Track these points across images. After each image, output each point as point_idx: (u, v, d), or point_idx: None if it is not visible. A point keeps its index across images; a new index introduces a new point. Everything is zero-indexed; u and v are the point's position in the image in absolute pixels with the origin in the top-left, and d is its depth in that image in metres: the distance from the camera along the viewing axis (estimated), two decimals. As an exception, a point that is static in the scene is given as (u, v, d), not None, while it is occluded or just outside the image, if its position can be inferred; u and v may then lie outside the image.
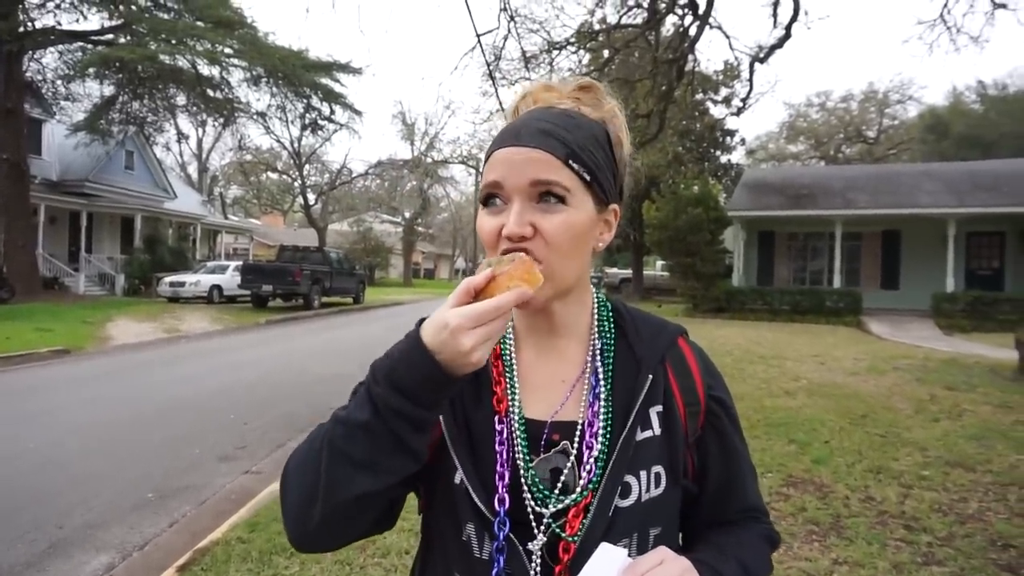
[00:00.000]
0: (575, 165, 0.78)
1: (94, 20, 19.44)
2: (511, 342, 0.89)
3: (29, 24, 18.52)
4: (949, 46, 23.79)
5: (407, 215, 48.00)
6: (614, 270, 36.96)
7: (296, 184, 42.48)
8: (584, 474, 0.79)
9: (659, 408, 0.83)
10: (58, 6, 18.57)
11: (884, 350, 12.06)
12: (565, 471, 0.79)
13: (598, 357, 0.87)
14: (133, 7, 19.09)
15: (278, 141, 35.93)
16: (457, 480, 0.79)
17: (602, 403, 0.83)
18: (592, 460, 0.79)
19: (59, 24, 18.97)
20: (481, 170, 0.88)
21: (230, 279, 21.67)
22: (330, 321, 18.37)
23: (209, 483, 4.88)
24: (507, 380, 0.85)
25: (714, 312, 19.65)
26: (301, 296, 20.31)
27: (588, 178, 0.79)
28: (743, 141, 33.89)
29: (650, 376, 0.83)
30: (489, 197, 0.80)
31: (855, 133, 45.65)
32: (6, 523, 3.99)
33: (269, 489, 4.59)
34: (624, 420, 0.81)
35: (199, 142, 45.28)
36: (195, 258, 27.51)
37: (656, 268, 33.69)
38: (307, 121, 24.60)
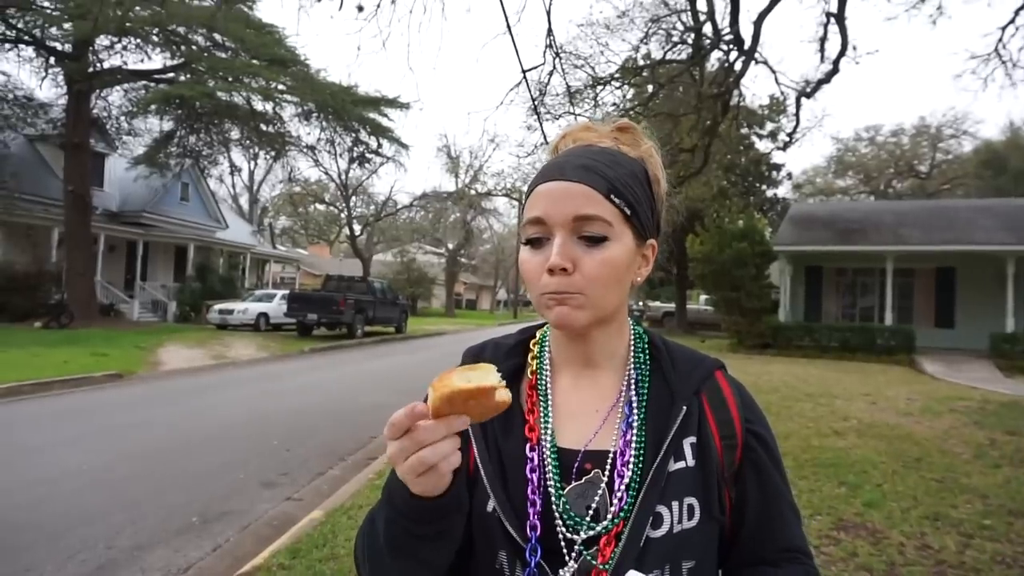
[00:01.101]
0: (616, 200, 0.81)
1: (157, 60, 20.48)
2: (548, 371, 0.90)
3: (98, 65, 19.54)
4: (1005, 80, 23.13)
5: (450, 246, 48.51)
6: (657, 304, 36.62)
7: (343, 215, 43.39)
8: (615, 502, 0.79)
9: (693, 439, 0.84)
10: (125, 48, 19.60)
11: (939, 391, 11.60)
12: (596, 499, 0.80)
13: (632, 387, 0.88)
14: (194, 47, 20.01)
15: (326, 173, 36.89)
16: (490, 508, 0.80)
17: (635, 432, 0.83)
18: (623, 488, 0.79)
19: (125, 64, 20.00)
20: (523, 203, 0.89)
21: (277, 307, 22.14)
22: (373, 350, 18.57)
23: (251, 509, 4.94)
24: (540, 409, 0.87)
25: (760, 348, 19.23)
26: (345, 325, 20.60)
27: (628, 212, 0.81)
28: (789, 175, 33.54)
29: (684, 407, 0.84)
30: (532, 240, 0.82)
31: (906, 168, 44.69)
32: (59, 542, 4.10)
33: (310, 516, 4.62)
34: (656, 450, 0.81)
35: (251, 174, 46.82)
36: (244, 286, 28.24)
37: (700, 302, 33.21)
38: (355, 154, 25.25)
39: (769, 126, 27.91)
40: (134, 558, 3.95)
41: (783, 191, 32.65)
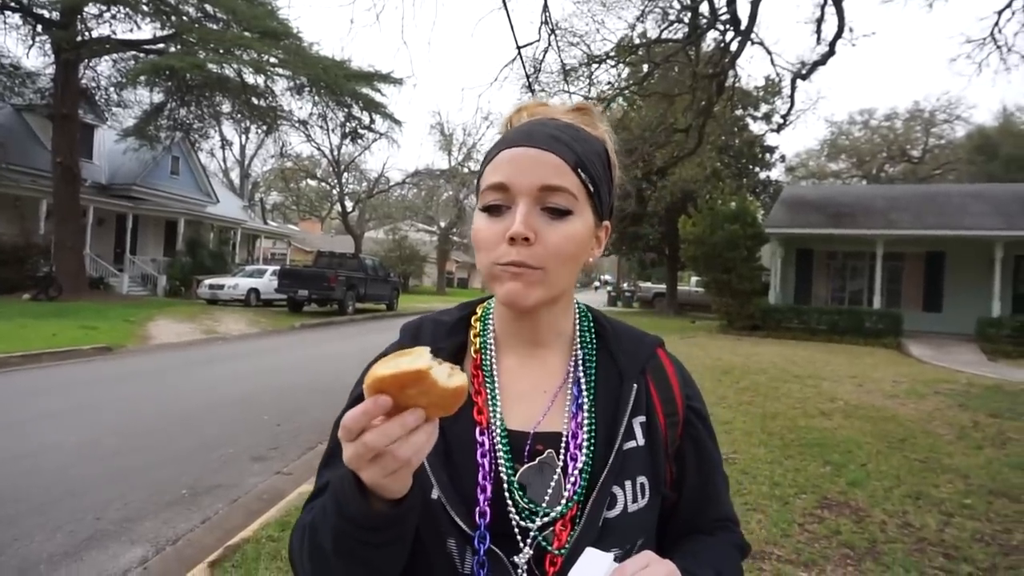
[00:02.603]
0: (582, 174, 0.78)
1: (147, 30, 20.07)
2: (492, 350, 0.87)
3: (86, 34, 19.20)
4: (999, 65, 23.13)
5: (442, 224, 48.35)
6: (648, 284, 36.72)
7: (334, 191, 43.12)
8: (569, 486, 0.77)
9: (642, 419, 0.83)
10: (114, 16, 19.22)
11: (925, 373, 11.74)
12: (552, 483, 0.78)
13: (580, 367, 0.86)
14: (184, 18, 19.66)
15: (318, 149, 36.55)
16: (434, 496, 0.76)
17: (585, 414, 0.81)
18: (577, 471, 0.78)
19: (114, 33, 19.63)
20: (481, 169, 0.85)
21: (267, 283, 22.07)
22: (364, 327, 18.56)
23: (241, 482, 4.96)
24: (487, 390, 0.83)
25: (749, 329, 19.36)
26: (336, 301, 20.57)
27: (592, 188, 0.79)
28: (783, 158, 33.50)
29: (635, 386, 0.83)
30: (491, 206, 0.78)
31: (899, 152, 44.75)
32: (47, 513, 4.11)
33: (299, 490, 4.65)
34: (607, 430, 0.80)
35: (242, 148, 46.32)
36: (234, 262, 28.10)
37: (691, 284, 33.34)
38: (347, 130, 25.01)
39: (764, 108, 27.82)
40: (123, 529, 3.97)
41: (776, 174, 32.64)
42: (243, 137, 41.40)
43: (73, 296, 17.69)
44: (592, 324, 0.91)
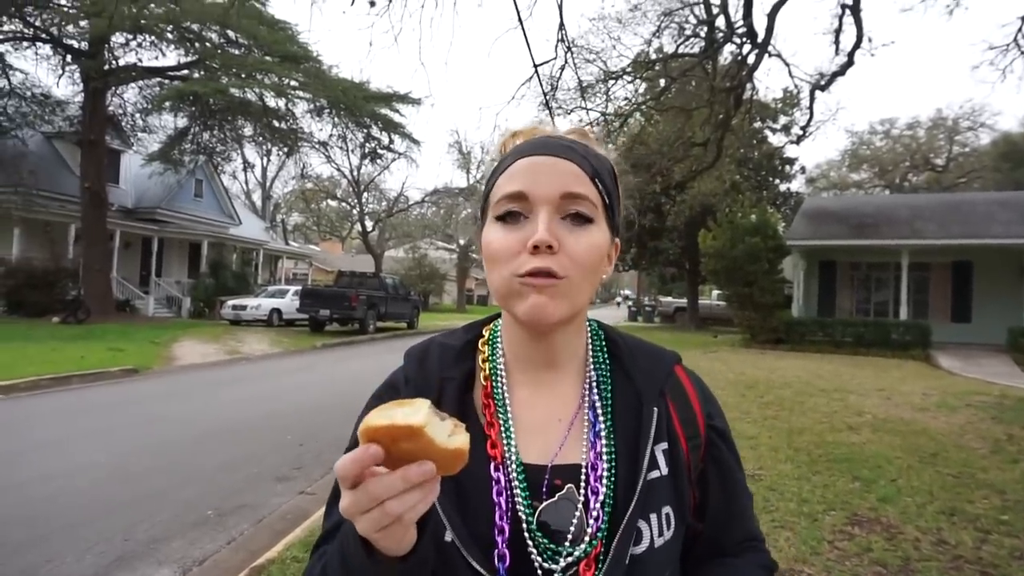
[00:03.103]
0: (599, 184, 0.76)
1: (171, 57, 20.63)
2: (503, 377, 0.81)
3: (113, 62, 19.71)
4: None
5: (462, 242, 48.55)
6: (669, 299, 36.47)
7: (355, 211, 43.56)
8: (592, 521, 0.72)
9: (664, 445, 0.79)
10: (140, 45, 19.76)
11: (955, 386, 11.49)
12: (575, 520, 0.73)
13: (595, 390, 0.81)
14: (207, 44, 20.13)
15: (338, 170, 37.06)
16: (448, 539, 0.71)
17: (603, 442, 0.77)
18: (599, 506, 0.73)
19: (140, 61, 20.19)
20: (490, 181, 0.80)
21: (289, 303, 22.27)
22: (384, 346, 18.63)
23: (266, 502, 4.98)
24: (500, 421, 0.78)
25: (773, 343, 19.12)
26: (357, 321, 20.69)
27: (607, 201, 0.77)
28: (803, 169, 33.27)
29: (655, 410, 0.78)
30: (509, 215, 0.74)
31: (922, 161, 44.22)
32: (77, 533, 4.15)
33: (323, 510, 4.65)
34: (629, 460, 0.76)
35: (264, 171, 47.07)
36: (257, 282, 28.43)
37: (712, 297, 33.07)
38: (367, 150, 25.37)
39: (783, 120, 27.67)
40: (151, 550, 3.99)
41: (796, 185, 32.43)
42: (265, 159, 42.18)
43: (101, 319, 18.00)
44: (604, 342, 0.86)
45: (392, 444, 0.54)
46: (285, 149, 24.85)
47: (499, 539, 0.71)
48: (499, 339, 0.85)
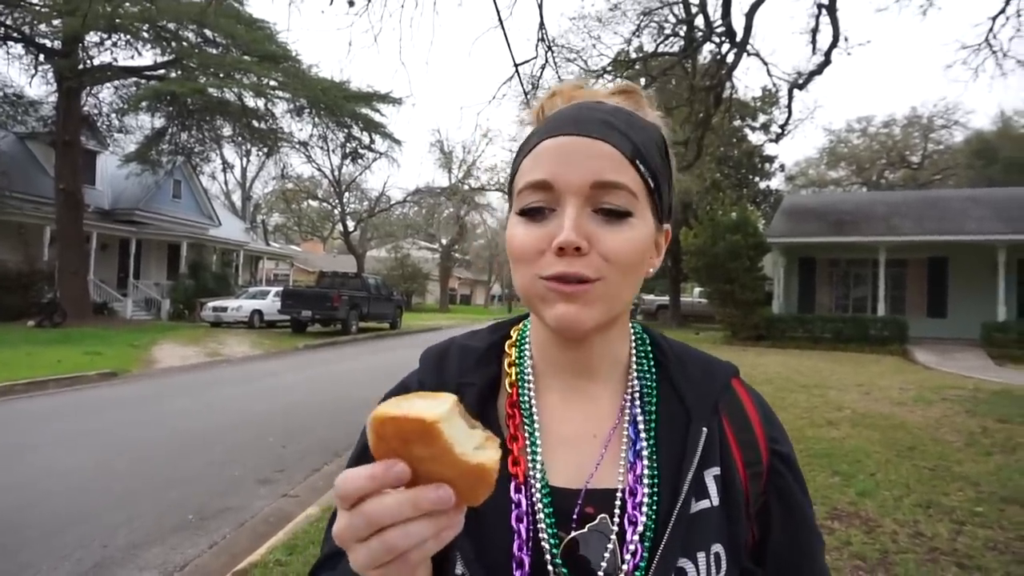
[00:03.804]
0: (642, 167, 0.64)
1: (148, 56, 20.34)
2: (531, 384, 0.71)
3: (88, 62, 19.41)
4: (996, 70, 23.24)
5: (444, 242, 48.48)
6: (651, 296, 36.66)
7: (336, 211, 43.28)
8: (628, 557, 0.61)
9: (716, 471, 0.67)
10: (115, 44, 19.47)
11: (931, 380, 11.68)
12: (607, 554, 0.62)
13: (636, 403, 0.70)
14: (184, 43, 19.89)
15: (319, 170, 36.74)
16: (458, 572, 0.62)
17: (645, 462, 0.66)
18: (637, 539, 0.62)
19: (115, 61, 19.88)
20: (515, 165, 0.70)
21: (271, 304, 22.09)
22: (367, 346, 18.55)
23: (248, 505, 4.94)
24: (526, 435, 0.67)
25: (753, 340, 19.32)
26: (339, 321, 20.59)
27: (652, 185, 0.66)
28: (782, 167, 33.66)
29: (704, 429, 0.67)
30: (531, 209, 0.64)
31: (898, 159, 44.81)
32: (53, 540, 4.09)
33: (306, 513, 4.63)
34: (674, 486, 0.64)
35: (243, 171, 46.65)
36: (237, 284, 28.16)
37: (694, 295, 33.31)
38: (348, 150, 25.21)
39: (762, 118, 27.95)
40: (130, 556, 3.95)
41: (776, 183, 32.79)
42: (244, 160, 41.74)
43: (77, 322, 17.73)
44: (651, 349, 0.75)
45: (403, 447, 0.44)
46: (265, 149, 24.63)
47: (517, 573, 0.61)
48: (528, 341, 0.75)
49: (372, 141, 24.30)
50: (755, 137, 28.84)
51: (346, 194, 41.03)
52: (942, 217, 19.67)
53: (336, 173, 37.60)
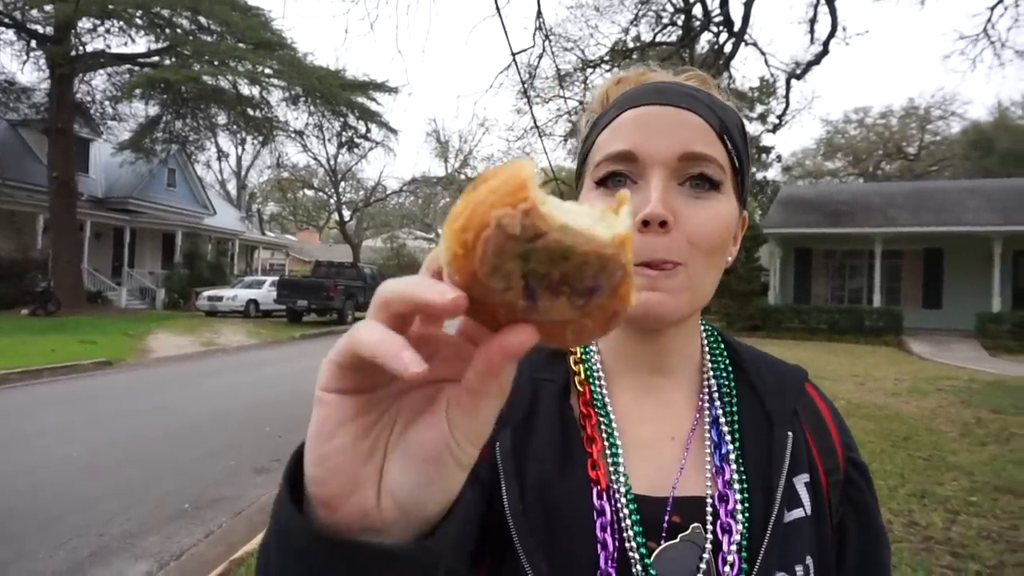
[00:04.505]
0: (728, 143, 0.61)
1: (141, 43, 20.19)
2: (601, 381, 0.65)
3: (81, 48, 19.25)
4: (993, 61, 23.26)
5: (440, 232, 48.39)
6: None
7: (332, 201, 43.16)
8: (727, 569, 0.56)
9: (806, 478, 0.63)
10: (108, 31, 19.30)
11: (926, 371, 11.73)
12: (702, 567, 0.56)
13: (716, 403, 0.65)
14: (178, 31, 19.74)
15: (315, 159, 36.64)
16: None
17: (733, 466, 0.61)
18: (734, 550, 0.57)
19: (108, 47, 19.73)
20: (586, 137, 0.65)
21: (266, 294, 22.05)
22: (363, 336, 18.51)
23: (244, 494, 4.93)
24: (603, 436, 0.62)
25: (749, 330, 19.35)
26: (335, 311, 20.55)
27: (737, 164, 0.62)
28: (779, 158, 33.63)
29: (789, 434, 0.63)
30: (611, 176, 0.59)
31: (895, 149, 44.85)
32: (50, 529, 4.09)
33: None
34: (767, 494, 0.60)
35: (238, 160, 46.38)
36: (233, 273, 28.09)
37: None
38: (343, 139, 25.13)
39: (759, 108, 27.87)
40: (126, 545, 3.94)
41: (773, 173, 32.83)
42: (239, 148, 41.53)
43: (71, 311, 17.66)
44: (725, 348, 0.71)
45: (499, 255, 0.27)
46: (260, 138, 24.51)
47: None
48: None
49: (368, 130, 24.24)
50: (752, 127, 28.76)
51: (342, 183, 40.90)
52: (938, 208, 19.70)
53: (332, 162, 37.47)
